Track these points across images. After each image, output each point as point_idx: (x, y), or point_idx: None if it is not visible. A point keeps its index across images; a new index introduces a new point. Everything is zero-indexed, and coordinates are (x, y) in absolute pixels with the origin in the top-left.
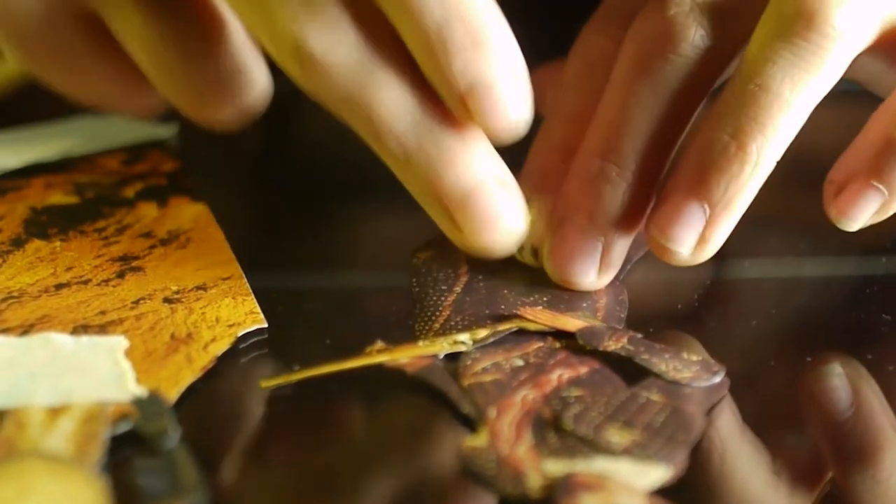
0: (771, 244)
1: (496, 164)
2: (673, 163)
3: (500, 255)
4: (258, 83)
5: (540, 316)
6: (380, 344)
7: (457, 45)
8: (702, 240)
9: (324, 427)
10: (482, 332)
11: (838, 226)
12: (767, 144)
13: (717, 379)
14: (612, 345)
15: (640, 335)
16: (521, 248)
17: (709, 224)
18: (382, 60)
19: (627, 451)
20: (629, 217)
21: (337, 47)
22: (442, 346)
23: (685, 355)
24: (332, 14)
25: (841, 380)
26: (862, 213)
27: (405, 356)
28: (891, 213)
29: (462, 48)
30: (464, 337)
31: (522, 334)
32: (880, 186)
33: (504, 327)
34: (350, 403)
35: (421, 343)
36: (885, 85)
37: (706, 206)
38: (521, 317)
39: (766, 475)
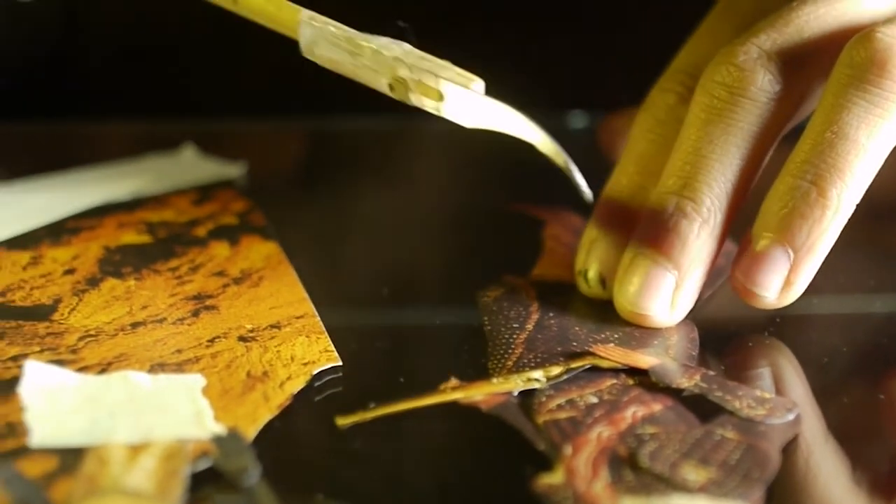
0: (840, 280)
1: None
2: (748, 206)
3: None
4: None
5: (612, 353)
6: (454, 381)
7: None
8: (787, 284)
9: (399, 464)
10: (556, 370)
11: None
12: (846, 189)
13: (791, 416)
14: (685, 382)
15: (713, 372)
16: (586, 276)
17: (793, 268)
18: None
19: (704, 489)
20: (703, 254)
21: None
22: (516, 384)
23: (759, 393)
24: None
25: None
26: None
27: (479, 393)
28: None
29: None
30: (538, 374)
31: (595, 371)
32: None
33: (577, 364)
34: (425, 441)
35: (495, 380)
36: None
37: (790, 250)
38: (593, 354)
39: (845, 482)
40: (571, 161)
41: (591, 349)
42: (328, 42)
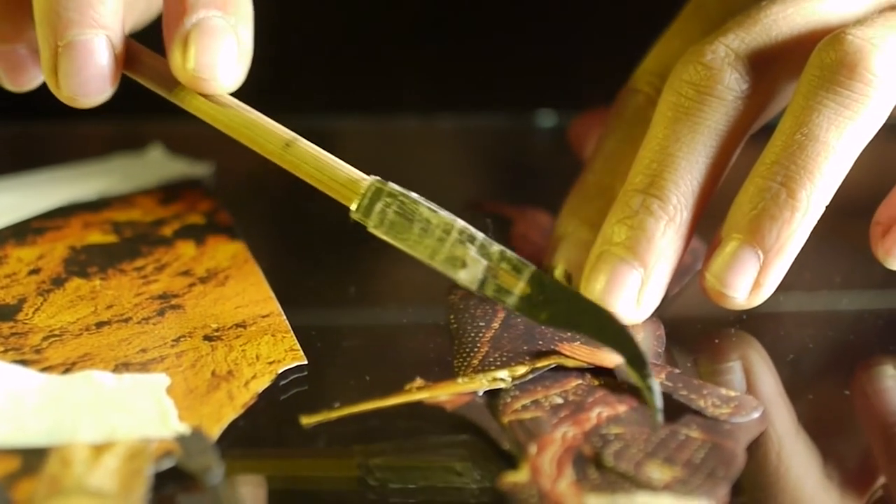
0: (806, 278)
1: None
2: (715, 204)
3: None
4: None
5: (578, 352)
6: (419, 381)
7: None
8: (756, 285)
9: (363, 464)
10: (521, 369)
11: (886, 265)
12: (816, 191)
13: (756, 414)
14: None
15: (678, 371)
16: (553, 273)
17: (763, 269)
18: None
19: (668, 488)
20: (669, 252)
21: None
22: (481, 384)
23: (724, 391)
24: None
25: (893, 382)
26: None
27: (445, 393)
28: None
29: None
30: (503, 374)
31: (560, 371)
32: None
33: (543, 364)
34: (390, 440)
35: (460, 380)
36: None
37: (760, 252)
38: (559, 353)
39: (818, 488)
40: (655, 381)
41: (556, 348)
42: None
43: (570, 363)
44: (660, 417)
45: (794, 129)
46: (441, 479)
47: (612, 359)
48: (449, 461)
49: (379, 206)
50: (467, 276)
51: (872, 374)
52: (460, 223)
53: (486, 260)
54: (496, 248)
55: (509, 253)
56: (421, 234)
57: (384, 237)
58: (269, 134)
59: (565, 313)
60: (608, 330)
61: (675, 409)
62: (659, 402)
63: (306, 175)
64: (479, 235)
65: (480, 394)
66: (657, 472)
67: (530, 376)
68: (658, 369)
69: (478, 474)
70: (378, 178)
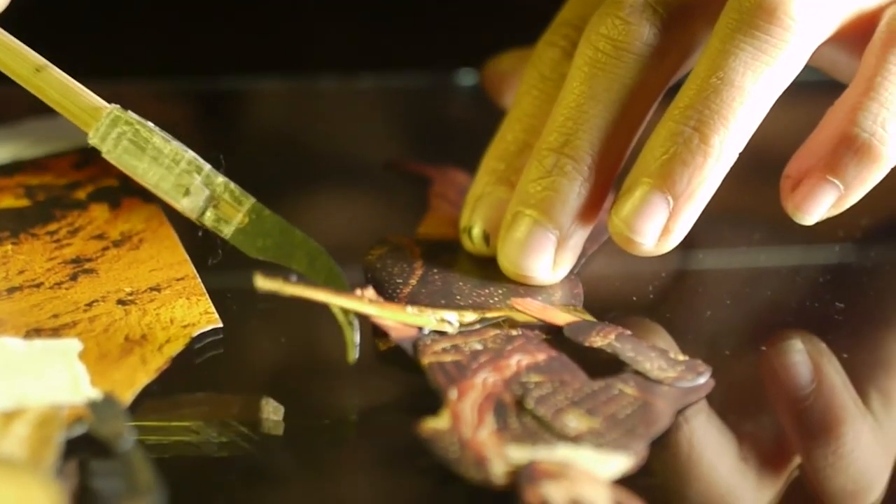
0: (725, 235)
1: None
2: (630, 159)
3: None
4: None
5: (529, 307)
6: (371, 292)
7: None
8: (665, 231)
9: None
10: (470, 317)
11: (795, 220)
12: (730, 137)
13: (702, 380)
14: (598, 341)
15: (628, 332)
16: (471, 234)
17: (672, 215)
18: None
19: (580, 438)
20: (585, 211)
21: None
22: (428, 321)
23: (672, 355)
24: None
25: (802, 356)
26: (818, 208)
27: (392, 318)
28: (846, 206)
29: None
30: (451, 316)
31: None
32: (835, 181)
33: (493, 314)
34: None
35: (409, 309)
36: (845, 72)
37: (669, 197)
38: (511, 307)
39: (733, 461)
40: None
41: (510, 303)
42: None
43: (520, 318)
44: (355, 353)
45: (710, 73)
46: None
47: (563, 316)
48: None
49: (115, 133)
50: (189, 204)
51: (782, 347)
52: (191, 154)
53: (209, 189)
54: (221, 179)
55: (233, 185)
56: (151, 162)
57: (117, 164)
58: (20, 58)
59: (278, 246)
60: (318, 266)
61: (603, 363)
62: (356, 337)
63: (52, 101)
64: (207, 167)
65: (426, 332)
66: (574, 420)
67: (478, 326)
68: (609, 330)
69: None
70: (118, 106)
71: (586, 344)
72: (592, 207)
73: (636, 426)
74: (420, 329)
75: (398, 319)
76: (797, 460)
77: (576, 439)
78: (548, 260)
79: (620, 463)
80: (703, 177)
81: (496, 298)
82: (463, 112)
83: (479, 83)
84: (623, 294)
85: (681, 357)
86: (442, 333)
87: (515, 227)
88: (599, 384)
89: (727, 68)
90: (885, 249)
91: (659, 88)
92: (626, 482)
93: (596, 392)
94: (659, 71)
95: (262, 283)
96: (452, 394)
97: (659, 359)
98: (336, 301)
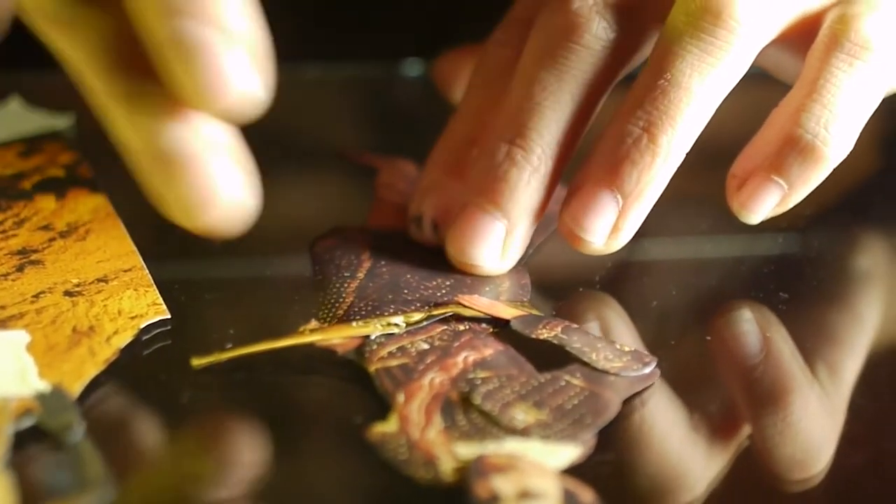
0: (671, 225)
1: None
2: (580, 154)
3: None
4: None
5: (476, 303)
6: (313, 323)
7: None
8: (614, 229)
9: (232, 418)
10: (416, 316)
11: (740, 219)
12: (677, 137)
13: (648, 370)
14: (545, 333)
15: (575, 325)
16: (420, 222)
17: (621, 214)
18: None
19: (528, 431)
20: (532, 203)
21: None
22: (375, 328)
23: (618, 346)
24: None
25: (751, 325)
26: (762, 207)
27: (338, 336)
28: (790, 206)
29: None
30: (397, 319)
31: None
32: (780, 181)
33: (439, 312)
34: (256, 395)
35: (354, 324)
36: (790, 73)
37: (618, 196)
38: (457, 303)
39: (684, 433)
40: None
41: (456, 299)
42: None
43: (467, 313)
44: None
45: (658, 75)
46: None
47: (509, 311)
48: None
49: None
50: None
51: (730, 318)
52: None
53: None
54: None
55: None
56: None
57: None
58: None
59: None
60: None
61: (565, 358)
62: None
63: None
64: None
65: (373, 338)
66: (521, 414)
67: (425, 323)
68: (555, 323)
69: None
70: None
71: (533, 336)
72: (541, 198)
73: (584, 416)
74: (367, 337)
75: (344, 336)
76: (747, 430)
77: (524, 432)
78: (496, 249)
79: (569, 453)
80: (652, 176)
81: (444, 291)
82: (409, 102)
83: (427, 74)
84: (570, 284)
85: (627, 348)
86: (389, 337)
87: (464, 216)
88: (546, 377)
89: (674, 70)
90: (827, 240)
91: (608, 82)
92: (579, 461)
93: (543, 384)
94: (609, 65)
95: (198, 360)
96: (400, 398)
97: (605, 349)
98: (279, 344)
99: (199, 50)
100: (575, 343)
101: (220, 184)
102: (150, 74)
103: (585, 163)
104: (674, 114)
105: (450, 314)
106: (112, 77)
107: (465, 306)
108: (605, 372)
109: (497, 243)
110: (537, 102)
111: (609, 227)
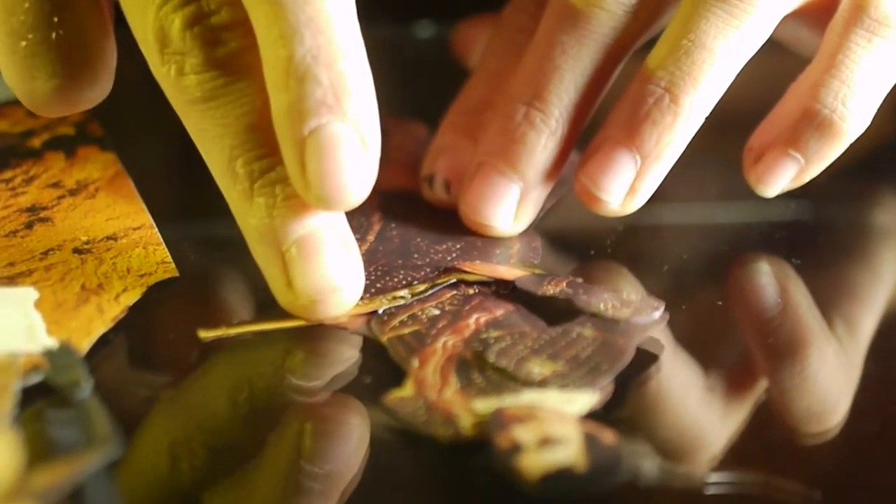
0: (682, 190)
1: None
2: (593, 120)
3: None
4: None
5: (478, 268)
6: None
7: (320, 80)
8: (631, 190)
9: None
10: (421, 287)
11: (756, 192)
12: (699, 98)
13: (657, 315)
14: (550, 289)
15: (579, 279)
16: (432, 182)
17: (639, 175)
18: (243, 70)
19: (546, 382)
20: (549, 165)
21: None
22: (381, 303)
23: (624, 295)
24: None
25: (769, 279)
26: (779, 181)
27: (346, 314)
28: (806, 180)
29: (325, 84)
30: (403, 293)
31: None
32: (797, 155)
33: (442, 280)
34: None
35: (360, 301)
36: (807, 46)
37: (637, 156)
38: (459, 269)
39: (700, 391)
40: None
41: (457, 265)
42: None
43: (470, 278)
44: None
45: (681, 35)
46: None
47: (512, 272)
48: None
49: None
50: None
51: (747, 273)
52: None
53: None
54: None
55: None
56: None
57: None
58: None
59: None
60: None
61: (575, 313)
62: None
63: None
64: None
65: (381, 312)
66: (537, 367)
67: (430, 291)
68: (558, 280)
69: None
70: None
71: (539, 293)
72: (557, 161)
73: (600, 364)
74: (375, 312)
75: (351, 313)
76: (764, 383)
77: (541, 384)
78: (510, 211)
79: (587, 399)
80: (672, 137)
81: (454, 255)
82: (420, 64)
83: (439, 36)
84: (580, 248)
85: (633, 295)
86: (399, 307)
87: (479, 176)
88: (557, 330)
89: (698, 31)
90: (839, 206)
91: (628, 47)
92: (596, 419)
93: (555, 338)
94: (630, 30)
95: (206, 333)
96: (414, 363)
97: (612, 299)
98: (288, 324)
99: (336, 151)
100: (582, 296)
101: (335, 275)
102: (276, 155)
103: (605, 123)
104: (696, 74)
105: (454, 280)
106: (241, 154)
107: (467, 272)
108: (615, 321)
109: (511, 205)
110: (557, 65)
111: (626, 187)
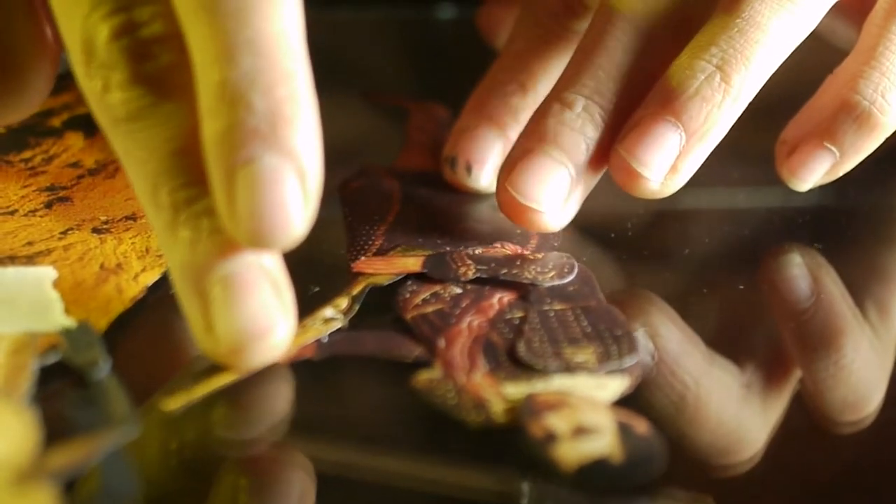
0: (703, 174)
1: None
2: None
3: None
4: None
5: (377, 265)
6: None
7: (255, 107)
8: (673, 169)
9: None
10: (343, 302)
11: (789, 185)
12: (750, 78)
13: (575, 271)
14: (467, 271)
15: (477, 250)
16: (454, 163)
17: (683, 152)
18: (173, 90)
19: (587, 367)
20: (598, 154)
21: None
22: (317, 330)
23: (530, 256)
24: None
25: (801, 269)
26: (813, 174)
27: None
28: (840, 174)
29: (260, 112)
30: (330, 312)
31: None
32: (832, 147)
33: (358, 290)
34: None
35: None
36: (840, 38)
37: (683, 133)
38: (362, 273)
39: (737, 391)
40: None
41: (354, 269)
42: None
43: (381, 280)
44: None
45: (734, 14)
46: None
47: (414, 262)
48: None
49: None
50: None
51: (779, 263)
52: None
53: None
54: None
55: None
56: None
57: None
58: None
59: None
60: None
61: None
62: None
63: None
64: None
65: (325, 339)
66: (578, 355)
67: (356, 305)
68: (460, 255)
69: None
70: None
71: (453, 277)
72: (603, 156)
73: (612, 329)
74: (318, 341)
75: (299, 344)
76: (797, 375)
77: (587, 370)
78: (561, 196)
79: (618, 384)
80: (719, 116)
81: (474, 236)
82: (441, 45)
83: (460, 18)
84: (601, 231)
85: (539, 255)
86: (420, 283)
87: (531, 162)
88: (546, 315)
89: (752, 10)
90: (862, 191)
91: (683, 37)
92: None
93: (551, 322)
94: (683, 19)
95: (171, 404)
96: (441, 343)
97: (531, 265)
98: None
99: (269, 186)
100: (502, 269)
101: (261, 321)
102: (204, 185)
103: (648, 98)
104: (749, 54)
105: (368, 287)
106: (165, 182)
107: (370, 274)
108: (553, 285)
109: (563, 191)
110: (611, 55)
111: (669, 163)
